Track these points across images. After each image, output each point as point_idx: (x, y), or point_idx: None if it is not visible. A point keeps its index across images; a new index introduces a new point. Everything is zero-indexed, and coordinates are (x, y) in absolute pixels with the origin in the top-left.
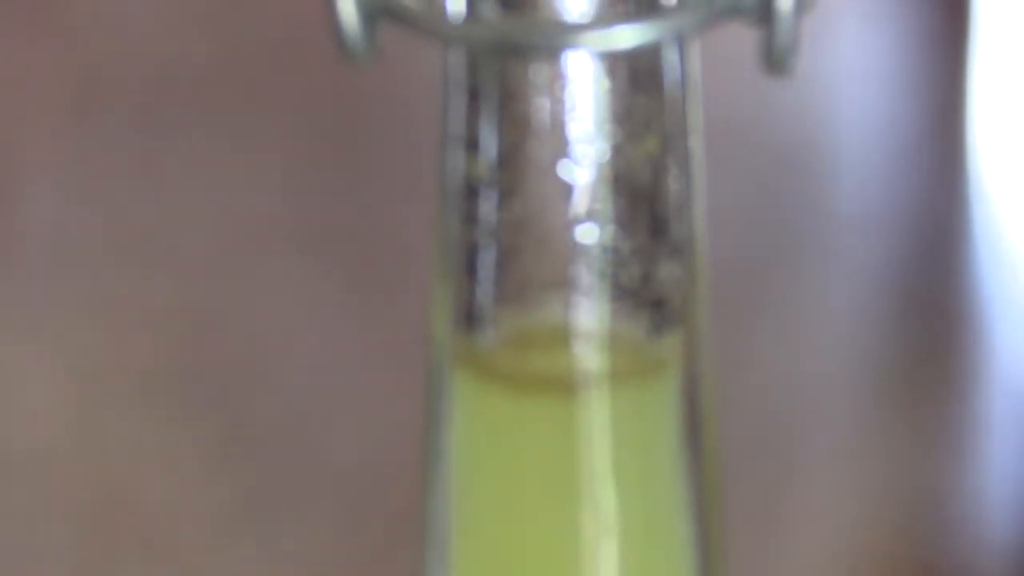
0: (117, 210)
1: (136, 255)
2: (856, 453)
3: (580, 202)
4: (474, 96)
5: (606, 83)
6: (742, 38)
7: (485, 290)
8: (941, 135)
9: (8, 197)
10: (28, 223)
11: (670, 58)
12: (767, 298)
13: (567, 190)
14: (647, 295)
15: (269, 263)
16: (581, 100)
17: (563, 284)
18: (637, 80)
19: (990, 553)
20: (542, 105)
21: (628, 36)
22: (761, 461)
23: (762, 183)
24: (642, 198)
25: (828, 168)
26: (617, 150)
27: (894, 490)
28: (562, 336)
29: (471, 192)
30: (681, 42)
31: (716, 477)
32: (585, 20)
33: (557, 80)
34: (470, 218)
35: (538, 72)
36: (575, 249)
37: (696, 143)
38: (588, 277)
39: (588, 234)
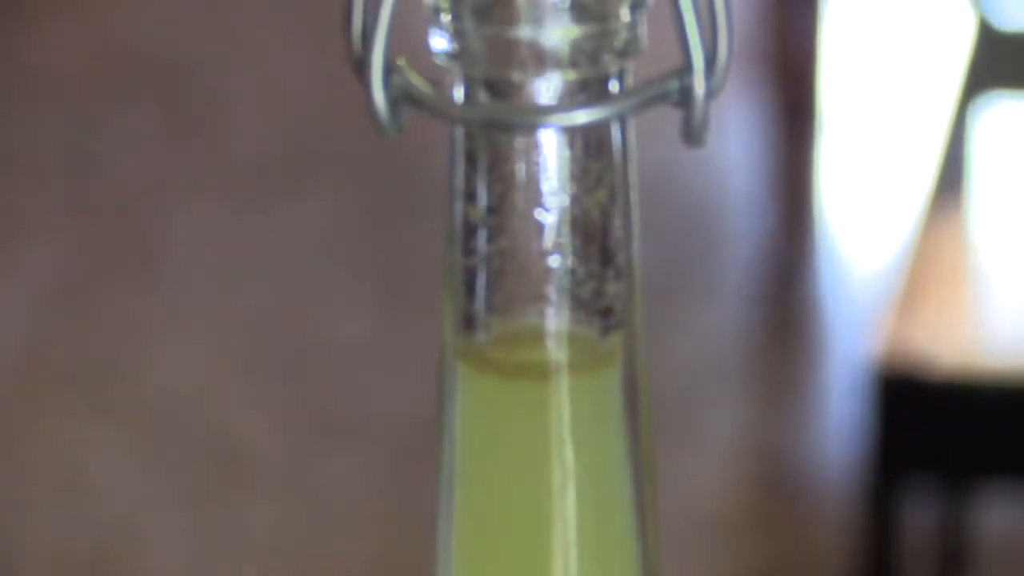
0: (235, 243)
1: (241, 274)
2: (734, 416)
3: (549, 238)
4: (471, 159)
5: (568, 151)
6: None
7: (479, 303)
8: (794, 189)
9: (160, 238)
10: (177, 255)
11: (615, 132)
12: (672, 302)
13: (539, 229)
14: (598, 306)
15: (330, 280)
16: (550, 163)
17: (537, 298)
18: (590, 148)
19: (828, 486)
20: (521, 166)
21: (584, 115)
22: (668, 423)
23: (672, 220)
24: (594, 235)
25: (716, 209)
26: (576, 200)
27: (759, 440)
28: (536, 337)
29: (469, 231)
30: (623, 120)
31: (649, 442)
32: (552, 104)
33: (532, 148)
34: (468, 250)
35: (518, 142)
36: (545, 273)
37: (634, 195)
38: (555, 293)
39: (555, 262)
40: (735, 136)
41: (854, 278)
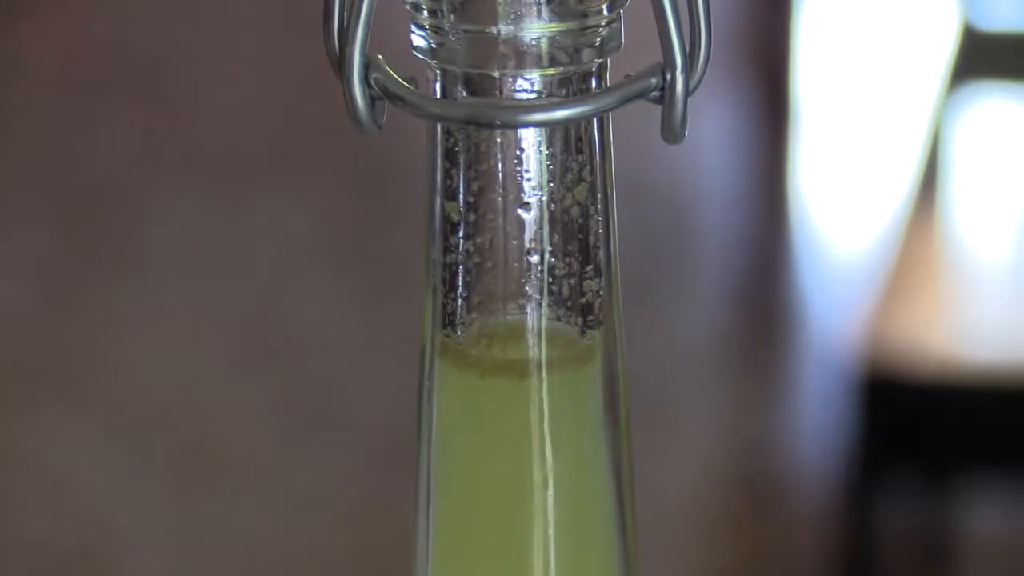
0: (212, 240)
1: (221, 270)
2: (713, 412)
3: (528, 235)
4: (450, 156)
5: (547, 147)
6: (641, 115)
7: (459, 300)
8: (772, 184)
9: (137, 234)
10: (154, 251)
11: (594, 128)
12: (651, 298)
13: (519, 227)
14: (577, 303)
15: (311, 277)
16: (529, 160)
17: (516, 296)
18: (570, 145)
19: (806, 475)
20: (500, 163)
21: (564, 112)
22: (649, 413)
23: (650, 216)
24: (573, 232)
25: (694, 205)
26: (555, 197)
27: (738, 437)
28: (516, 334)
29: (449, 228)
30: (603, 116)
31: (628, 440)
32: (531, 101)
33: (511, 145)
34: (448, 247)
35: (497, 139)
36: (525, 270)
37: (611, 192)
38: (534, 290)
39: (534, 259)
40: (713, 131)
41: (834, 273)
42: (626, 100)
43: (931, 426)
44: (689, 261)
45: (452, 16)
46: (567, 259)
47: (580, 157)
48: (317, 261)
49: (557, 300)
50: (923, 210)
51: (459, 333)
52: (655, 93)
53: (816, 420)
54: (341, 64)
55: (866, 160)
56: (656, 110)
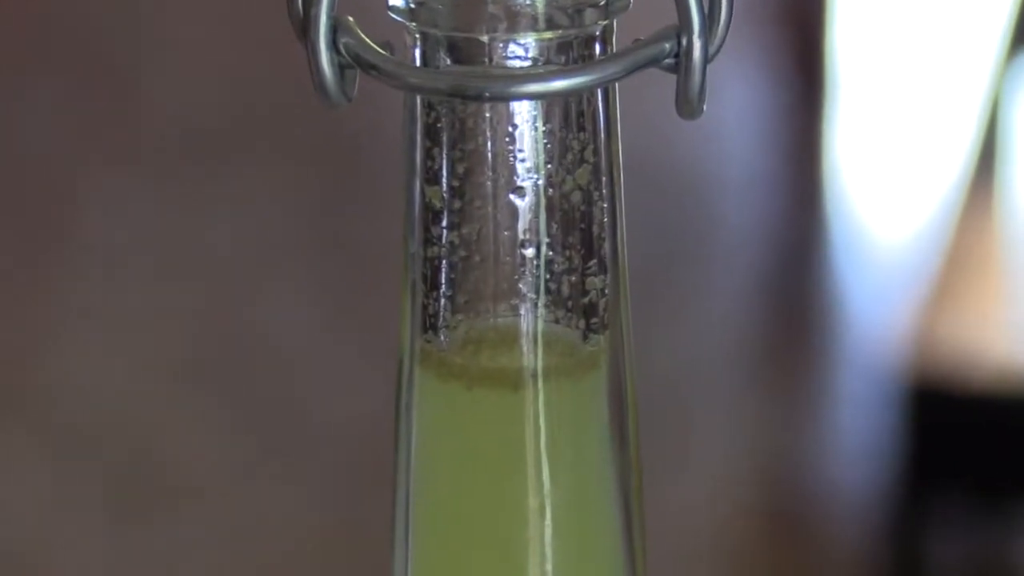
0: (161, 231)
1: (174, 266)
2: (732, 418)
3: (522, 225)
4: (432, 134)
5: (544, 124)
6: (653, 85)
7: (442, 300)
8: (804, 164)
9: (73, 224)
10: (93, 244)
11: (599, 101)
12: (664, 298)
13: (511, 216)
14: (579, 303)
15: (270, 274)
16: (523, 138)
17: (508, 295)
18: (570, 120)
19: (843, 500)
20: (489, 142)
21: (563, 83)
22: (660, 430)
23: (663, 203)
24: (574, 222)
25: (713, 191)
26: (553, 181)
27: (764, 458)
28: (508, 339)
29: (430, 217)
30: (608, 88)
31: (638, 459)
32: (526, 70)
33: (503, 121)
34: (429, 239)
35: (486, 114)
36: (519, 265)
37: (618, 175)
38: (529, 289)
39: (529, 252)
40: (736, 105)
41: (876, 268)
42: (635, 68)
43: (987, 442)
44: (708, 255)
45: None
46: (567, 252)
47: (582, 135)
48: (279, 255)
49: (555, 300)
50: (978, 195)
51: (442, 338)
52: (669, 60)
53: (855, 437)
54: (306, 27)
55: (913, 137)
56: (670, 80)
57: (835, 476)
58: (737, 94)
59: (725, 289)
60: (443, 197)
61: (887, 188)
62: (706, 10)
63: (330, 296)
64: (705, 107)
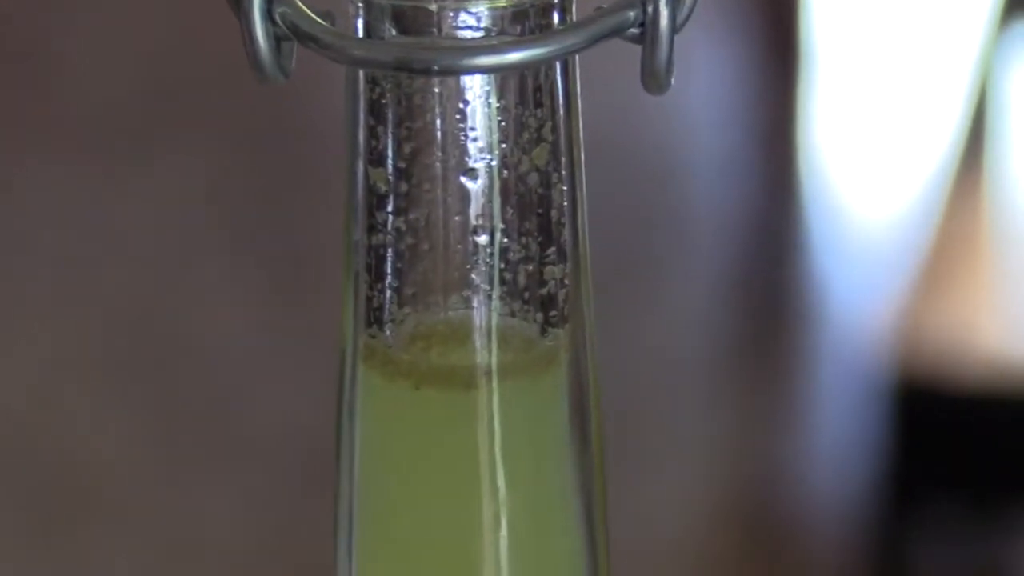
0: (75, 217)
1: (90, 257)
2: (704, 422)
3: (475, 210)
4: (376, 111)
5: (498, 100)
6: (616, 58)
7: (389, 291)
8: (779, 144)
9: None
10: (5, 234)
11: (557, 76)
12: (630, 288)
13: (463, 200)
14: (537, 295)
15: (202, 262)
16: (475, 115)
17: (460, 286)
18: (527, 96)
19: (825, 507)
20: (439, 120)
21: (518, 55)
22: (626, 432)
23: (622, 187)
24: (531, 206)
25: (682, 173)
26: (508, 162)
27: (739, 461)
28: (460, 334)
29: (374, 201)
30: (568, 60)
31: (601, 464)
32: (478, 41)
33: (453, 97)
34: (374, 225)
35: (435, 89)
36: (471, 254)
37: (579, 155)
38: (483, 279)
39: (482, 240)
40: (705, 78)
41: (857, 256)
42: (597, 39)
43: (978, 443)
44: (677, 242)
45: None
46: (523, 239)
47: (539, 111)
48: (209, 244)
49: (511, 291)
50: (968, 178)
51: (388, 333)
52: (633, 30)
53: (836, 438)
54: None
55: (896, 116)
56: (635, 52)
57: (815, 480)
58: (706, 67)
59: (694, 280)
60: (388, 180)
61: (868, 170)
62: None
63: (263, 288)
64: (673, 81)
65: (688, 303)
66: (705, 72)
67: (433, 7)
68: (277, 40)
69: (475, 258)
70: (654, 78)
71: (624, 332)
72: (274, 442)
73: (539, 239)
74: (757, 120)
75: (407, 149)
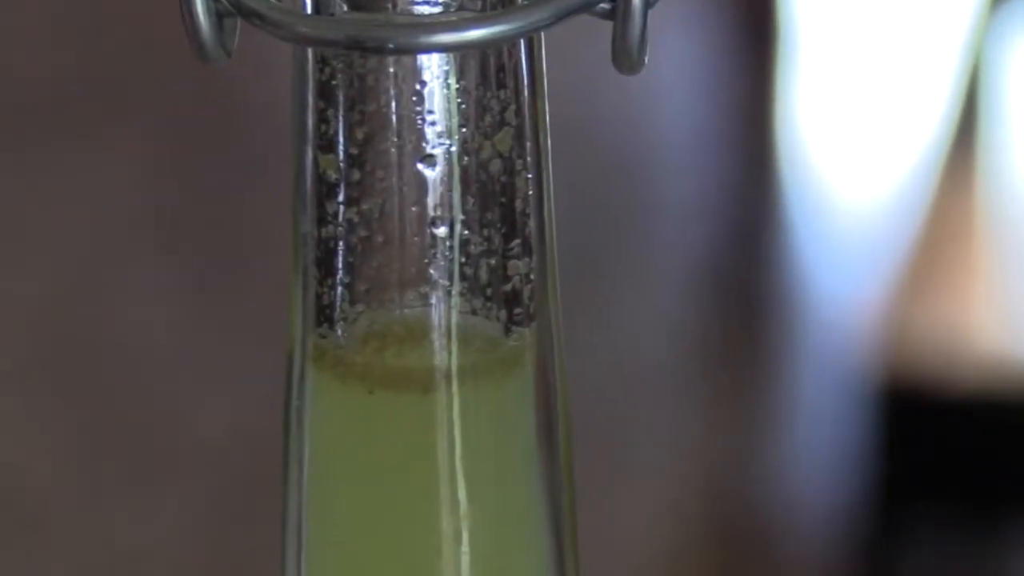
0: (1, 209)
1: (8, 253)
2: (678, 428)
3: (433, 200)
4: (326, 94)
5: (458, 81)
6: (585, 35)
7: (341, 287)
8: (755, 130)
9: None
10: None
11: (522, 55)
12: (595, 283)
13: (420, 188)
14: (500, 291)
15: (134, 258)
16: (434, 98)
17: (417, 281)
18: (489, 77)
19: (808, 518)
20: (394, 103)
21: (480, 33)
22: (596, 439)
23: (590, 175)
24: (494, 195)
25: (652, 159)
26: (469, 148)
27: (715, 470)
28: (417, 333)
29: (324, 190)
30: (531, 39)
31: (571, 473)
32: (436, 17)
33: (410, 78)
34: (324, 216)
35: (390, 70)
36: (429, 246)
37: (545, 140)
38: (442, 274)
39: (441, 232)
40: (678, 58)
41: (841, 248)
42: (564, 15)
43: (969, 451)
44: (645, 235)
45: None
46: (485, 231)
47: (502, 93)
48: (145, 236)
49: (472, 287)
50: (959, 164)
51: (340, 333)
52: (604, 5)
53: (819, 446)
54: None
55: (882, 98)
56: (604, 28)
57: (796, 491)
58: (677, 49)
59: (665, 276)
60: (339, 167)
61: (852, 157)
62: None
63: (203, 286)
64: (646, 59)
65: (658, 301)
66: (677, 51)
67: None
68: (219, 16)
69: (433, 251)
70: (626, 56)
71: (589, 333)
72: (214, 453)
73: (502, 231)
74: (733, 103)
75: (360, 134)
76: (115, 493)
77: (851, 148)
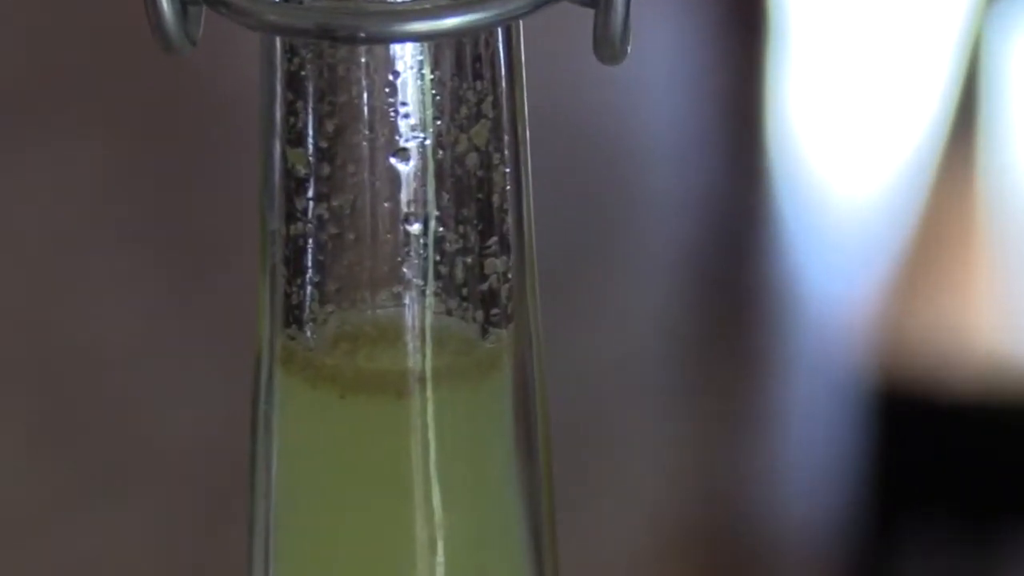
0: None
1: None
2: (663, 431)
3: (407, 196)
4: (295, 85)
5: (433, 71)
6: (561, 26)
7: (310, 287)
8: (744, 124)
9: None
10: None
11: (499, 45)
12: (578, 282)
13: (393, 184)
14: (477, 291)
15: (93, 254)
16: (407, 90)
17: (391, 281)
18: (465, 68)
19: (799, 528)
20: (366, 95)
21: (455, 21)
22: (578, 445)
23: (571, 169)
24: (470, 190)
25: (638, 158)
26: (444, 141)
27: (702, 477)
28: (390, 335)
29: (294, 186)
30: (509, 28)
31: (549, 477)
32: (411, 5)
33: (382, 68)
34: (293, 213)
35: (362, 60)
36: (402, 244)
37: (523, 133)
38: (416, 273)
39: (415, 229)
40: (665, 50)
41: (834, 245)
42: (543, 2)
43: (970, 457)
44: (631, 232)
45: None
46: (461, 228)
47: (479, 84)
48: (103, 235)
49: (447, 286)
50: (958, 157)
51: (309, 334)
52: None
53: (811, 452)
54: None
55: (877, 88)
56: (586, 16)
57: (786, 498)
58: (662, 37)
59: (653, 272)
60: (309, 162)
61: (845, 148)
62: None
63: (168, 285)
64: (629, 49)
65: (644, 300)
66: (664, 41)
67: None
68: (183, 4)
69: (407, 249)
70: (608, 46)
71: (573, 332)
72: (179, 460)
73: (479, 228)
74: (721, 94)
75: (330, 127)
76: (82, 502)
77: (844, 141)
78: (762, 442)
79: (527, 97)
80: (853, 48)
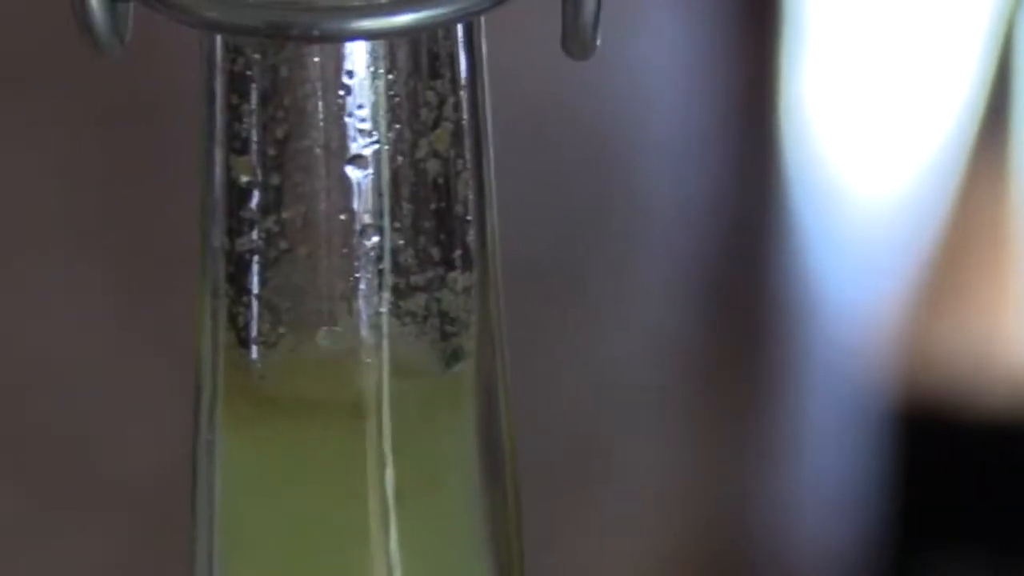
0: None
1: None
2: (667, 449)
3: (361, 207)
4: (238, 87)
5: (388, 72)
6: (541, 20)
7: (258, 306)
8: (751, 120)
9: None
10: None
11: (460, 42)
12: (572, 295)
13: (346, 193)
14: (437, 311)
15: (40, 260)
16: (361, 92)
17: (345, 299)
18: (422, 68)
19: (814, 558)
20: (316, 98)
21: (411, 18)
22: (570, 470)
23: (567, 174)
24: (430, 200)
25: (628, 161)
26: (402, 148)
27: (705, 506)
28: (341, 362)
29: (238, 197)
30: (470, 24)
31: (517, 512)
32: (367, 1)
33: (333, 69)
34: (238, 227)
35: (311, 60)
36: (355, 260)
37: (486, 137)
38: (372, 290)
39: (371, 242)
40: (668, 43)
41: (852, 254)
42: None
43: (998, 482)
44: (637, 238)
45: None
46: (421, 241)
47: (439, 84)
48: (49, 239)
49: (406, 304)
50: (988, 156)
51: (255, 358)
52: None
53: (829, 476)
54: None
55: (900, 81)
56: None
57: (802, 527)
58: (665, 29)
59: (656, 284)
60: (255, 171)
61: (866, 147)
62: None
63: (119, 292)
64: (599, 42)
65: (648, 314)
66: (667, 33)
67: None
68: (114, 1)
69: (362, 264)
70: (577, 39)
71: (568, 350)
72: (131, 482)
73: (440, 240)
74: (730, 90)
75: (278, 132)
76: (19, 527)
77: (865, 139)
78: (776, 466)
79: (524, 96)
80: (874, 39)
